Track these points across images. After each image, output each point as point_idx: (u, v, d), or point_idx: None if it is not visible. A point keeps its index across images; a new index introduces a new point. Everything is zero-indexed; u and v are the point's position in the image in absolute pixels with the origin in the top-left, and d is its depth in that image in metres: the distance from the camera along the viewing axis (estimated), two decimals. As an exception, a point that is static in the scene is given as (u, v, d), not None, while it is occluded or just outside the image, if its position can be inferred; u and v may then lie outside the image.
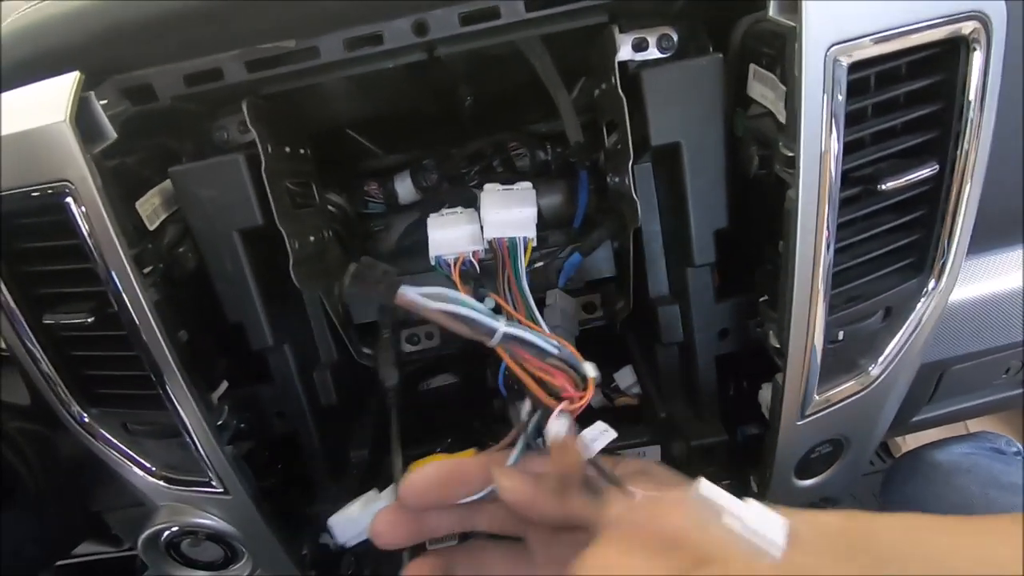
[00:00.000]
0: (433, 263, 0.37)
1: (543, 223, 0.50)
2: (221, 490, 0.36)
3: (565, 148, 0.48)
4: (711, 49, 0.35)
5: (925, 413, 0.49)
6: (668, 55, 0.36)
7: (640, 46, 0.36)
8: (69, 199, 0.28)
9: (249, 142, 0.36)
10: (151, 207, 0.35)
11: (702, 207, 0.35)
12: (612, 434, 0.28)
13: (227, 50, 0.33)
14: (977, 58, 0.27)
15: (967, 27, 0.26)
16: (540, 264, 0.40)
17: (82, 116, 0.28)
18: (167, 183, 0.36)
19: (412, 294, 0.27)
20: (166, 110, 0.35)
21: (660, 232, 0.39)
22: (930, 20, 0.25)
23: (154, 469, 0.37)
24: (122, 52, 0.32)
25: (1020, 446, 0.54)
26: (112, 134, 0.30)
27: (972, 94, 0.27)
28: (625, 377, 0.48)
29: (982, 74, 0.27)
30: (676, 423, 0.42)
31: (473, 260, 0.35)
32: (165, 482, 0.37)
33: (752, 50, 0.32)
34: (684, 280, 0.37)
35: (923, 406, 0.48)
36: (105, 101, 0.30)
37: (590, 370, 0.28)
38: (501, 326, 0.27)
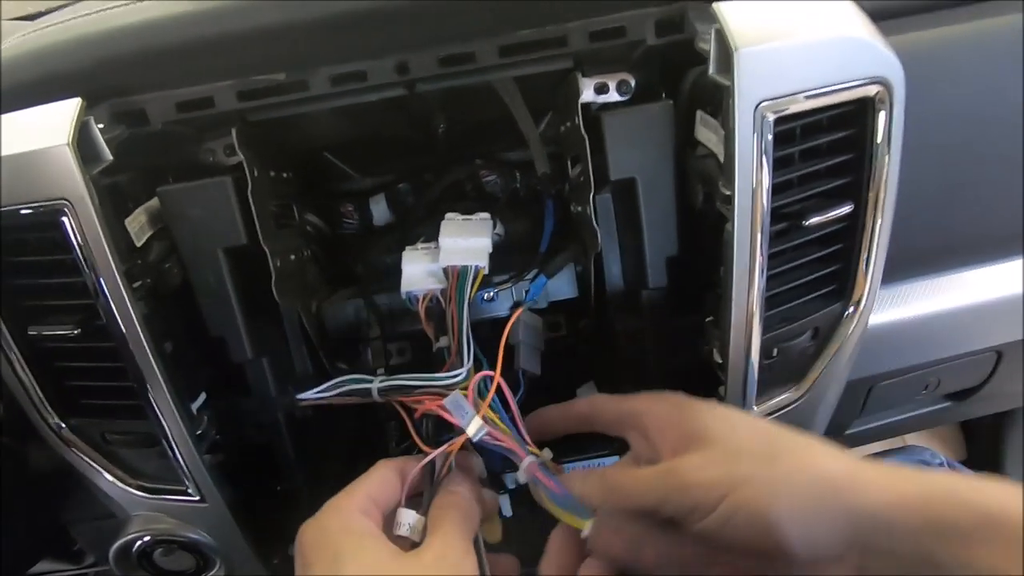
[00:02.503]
0: (404, 297, 0.39)
1: (512, 246, 0.53)
2: (198, 498, 0.37)
3: (534, 177, 0.52)
4: (664, 95, 0.39)
5: (857, 427, 0.54)
6: (626, 99, 0.40)
7: (602, 89, 0.40)
8: (66, 216, 0.30)
9: (235, 164, 0.39)
10: (138, 224, 0.36)
11: (655, 236, 0.39)
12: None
13: (220, 80, 0.36)
14: (882, 116, 0.31)
15: (871, 90, 0.30)
16: (508, 285, 0.43)
17: (82, 139, 0.30)
18: (154, 201, 0.37)
19: (310, 395, 0.35)
20: (157, 132, 0.37)
21: (619, 257, 0.43)
22: (841, 84, 0.30)
23: (130, 478, 0.38)
24: (120, 79, 0.34)
25: (944, 458, 0.59)
26: (109, 156, 0.32)
27: (879, 145, 0.32)
28: (587, 392, 0.51)
29: (887, 129, 0.32)
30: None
31: (440, 297, 0.37)
32: (141, 491, 0.38)
33: (699, 98, 0.37)
34: (640, 302, 0.41)
35: (855, 420, 0.53)
36: (102, 125, 0.32)
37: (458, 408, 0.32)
38: (373, 385, 0.34)
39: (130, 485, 0.38)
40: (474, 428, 0.31)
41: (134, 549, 0.39)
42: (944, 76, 0.40)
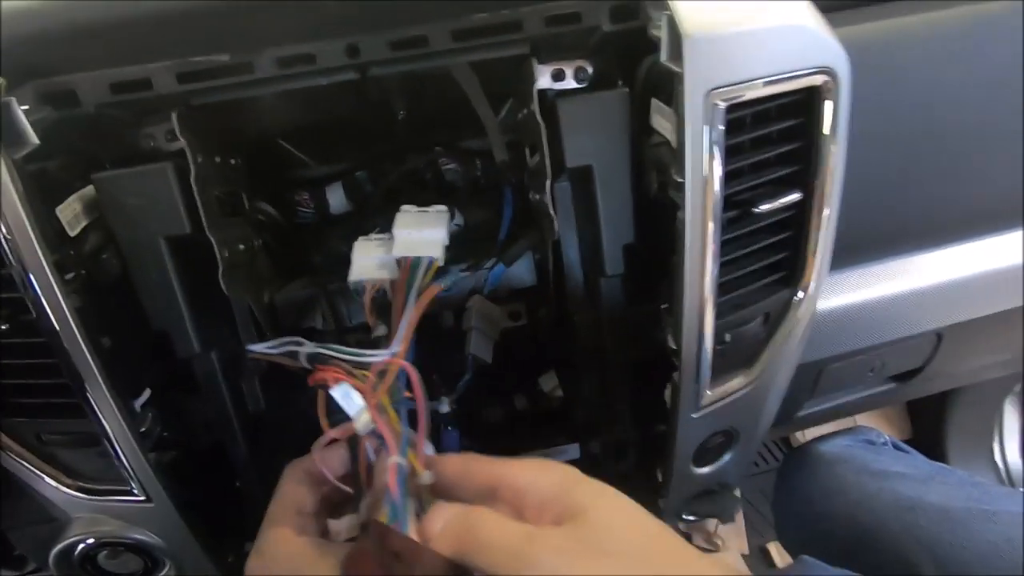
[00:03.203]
0: (352, 287, 0.38)
1: (472, 235, 0.53)
2: (143, 498, 0.35)
3: (494, 165, 0.51)
4: (621, 83, 0.39)
5: (808, 408, 0.56)
6: (583, 86, 0.40)
7: (558, 76, 0.39)
8: (-14, 204, 0.28)
9: (177, 151, 0.37)
10: (72, 213, 0.34)
11: (612, 224, 0.39)
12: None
13: (158, 60, 0.34)
14: (828, 105, 0.32)
15: (818, 79, 0.31)
16: (466, 273, 0.42)
17: (3, 121, 0.28)
18: (89, 188, 0.35)
19: (259, 348, 0.37)
20: (90, 116, 0.35)
21: (577, 245, 0.43)
22: (789, 72, 0.30)
23: (69, 480, 0.36)
24: (47, 57, 0.32)
25: (888, 437, 0.62)
26: (34, 140, 0.30)
27: (826, 134, 0.33)
28: (548, 381, 0.52)
29: (833, 118, 0.32)
30: (593, 423, 0.46)
31: (388, 289, 0.37)
32: (81, 492, 0.36)
33: (654, 85, 0.37)
34: (598, 289, 0.41)
35: (805, 402, 0.55)
36: (26, 106, 0.30)
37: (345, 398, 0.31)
38: (303, 349, 0.35)
39: (69, 487, 0.36)
40: (361, 423, 0.31)
41: (76, 553, 0.37)
42: (888, 67, 0.42)
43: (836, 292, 0.48)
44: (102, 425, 0.33)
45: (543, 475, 0.27)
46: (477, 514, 0.26)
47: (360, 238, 0.39)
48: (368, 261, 0.38)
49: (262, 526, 0.31)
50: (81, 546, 0.37)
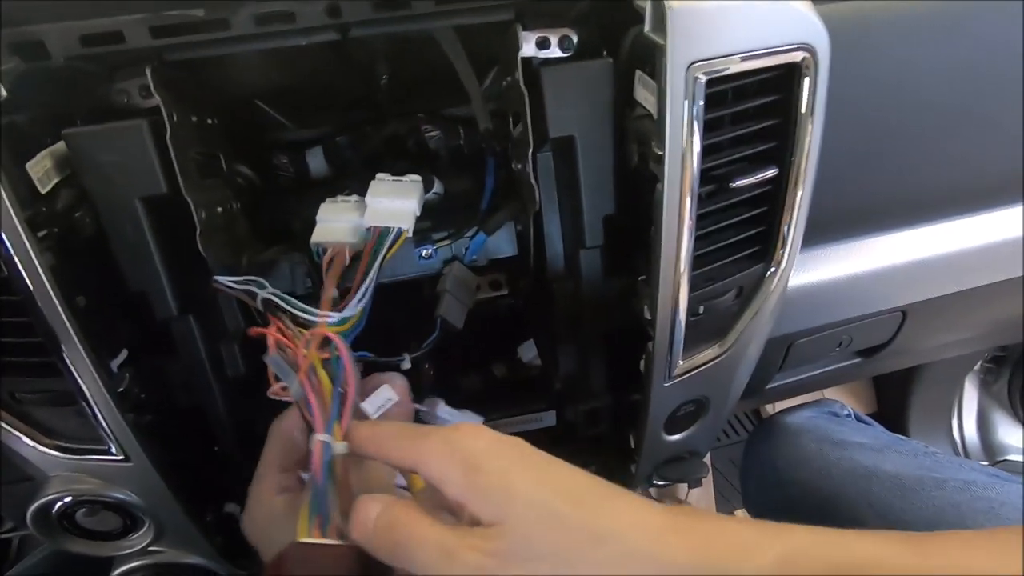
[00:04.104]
0: (313, 249, 0.38)
1: (454, 204, 0.53)
2: (121, 457, 0.36)
3: (477, 133, 0.51)
4: (605, 53, 0.39)
5: (778, 381, 0.58)
6: (568, 55, 0.40)
7: (543, 44, 0.39)
8: (-47, 157, 0.27)
9: (152, 108, 0.36)
10: (43, 169, 0.34)
11: (593, 195, 0.39)
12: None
13: (130, 12, 0.33)
14: (807, 82, 0.32)
15: (797, 56, 0.31)
16: (447, 243, 0.43)
17: (-32, 71, 0.27)
18: (60, 145, 0.34)
19: (225, 280, 0.37)
20: (60, 68, 0.34)
21: (558, 216, 0.43)
22: (770, 48, 0.31)
23: (46, 439, 0.36)
24: (13, 6, 0.31)
25: (850, 410, 0.65)
26: (1, 92, 0.29)
27: (803, 112, 0.33)
28: (527, 350, 0.53)
29: (811, 96, 0.33)
30: (570, 391, 0.47)
31: (347, 253, 0.37)
32: (59, 451, 0.36)
33: (638, 57, 0.37)
34: (577, 260, 0.42)
35: (776, 374, 0.57)
36: (-8, 57, 0.29)
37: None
38: (261, 292, 0.34)
39: (47, 445, 0.36)
40: (294, 390, 0.31)
41: (54, 510, 0.37)
42: (864, 47, 0.42)
43: (806, 268, 0.49)
44: (78, 385, 0.33)
45: (450, 469, 0.26)
46: (399, 518, 0.26)
47: (327, 200, 0.39)
48: (333, 224, 0.38)
49: (254, 483, 0.33)
50: (59, 503, 0.37)
